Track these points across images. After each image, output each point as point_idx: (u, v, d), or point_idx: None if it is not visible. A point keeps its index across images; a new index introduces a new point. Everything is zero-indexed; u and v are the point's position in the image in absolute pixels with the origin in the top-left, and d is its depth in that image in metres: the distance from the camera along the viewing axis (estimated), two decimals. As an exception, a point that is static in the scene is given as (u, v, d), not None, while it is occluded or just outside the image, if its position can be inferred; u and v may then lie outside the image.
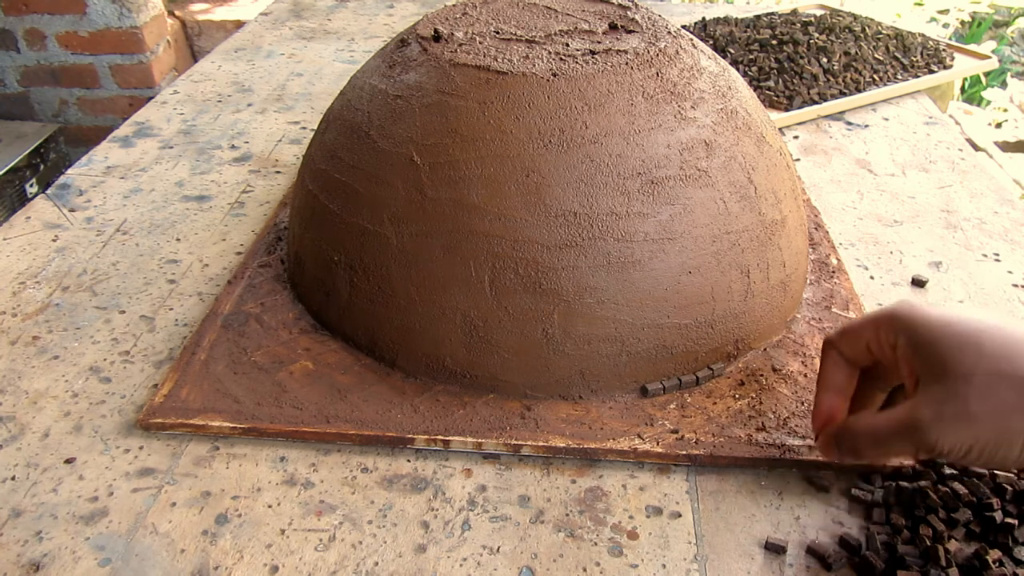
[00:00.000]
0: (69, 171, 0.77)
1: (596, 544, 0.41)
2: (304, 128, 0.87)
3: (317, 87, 0.98)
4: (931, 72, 0.95)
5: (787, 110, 0.87)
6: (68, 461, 0.46)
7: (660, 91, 0.49)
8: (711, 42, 1.01)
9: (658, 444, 0.46)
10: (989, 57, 0.99)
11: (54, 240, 0.66)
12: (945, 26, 2.62)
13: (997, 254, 0.66)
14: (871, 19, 1.03)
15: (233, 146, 0.83)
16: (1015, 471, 0.43)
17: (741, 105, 0.53)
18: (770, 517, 0.43)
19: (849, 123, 0.88)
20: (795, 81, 0.90)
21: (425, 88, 0.50)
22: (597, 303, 0.47)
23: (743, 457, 0.45)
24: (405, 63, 0.53)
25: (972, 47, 1.05)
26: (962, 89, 2.31)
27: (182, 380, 0.49)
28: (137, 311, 0.58)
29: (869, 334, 0.40)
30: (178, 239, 0.67)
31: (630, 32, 0.54)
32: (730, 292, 0.49)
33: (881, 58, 0.95)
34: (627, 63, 0.49)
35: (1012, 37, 2.71)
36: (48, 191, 0.74)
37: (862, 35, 0.97)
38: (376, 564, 0.40)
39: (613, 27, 0.55)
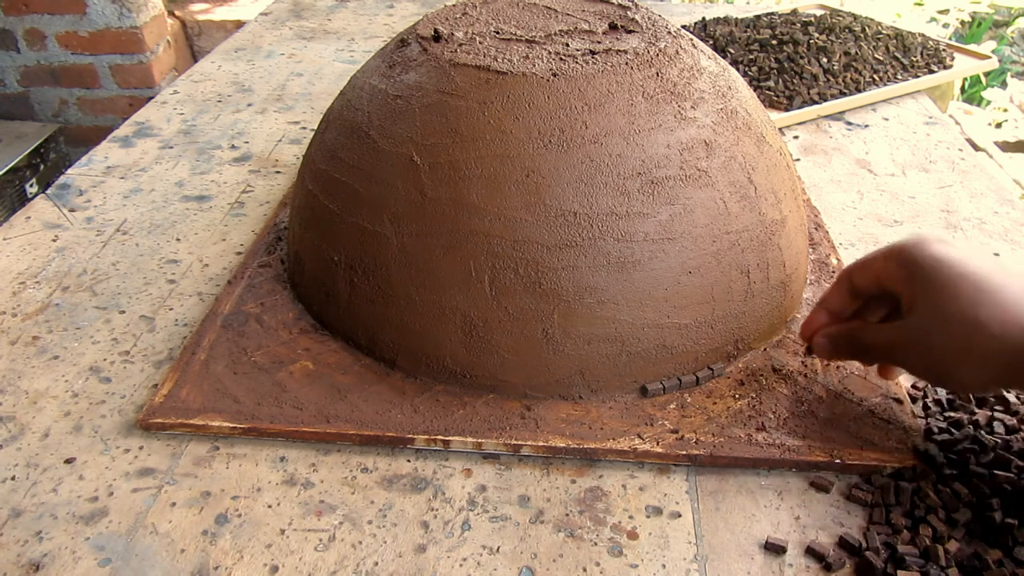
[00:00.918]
0: (69, 171, 0.77)
1: (596, 544, 0.41)
2: (304, 128, 0.87)
3: (317, 87, 0.98)
4: (931, 72, 0.95)
5: (787, 110, 0.87)
6: (68, 461, 0.46)
7: (660, 91, 0.49)
8: (711, 42, 1.01)
9: (658, 444, 0.46)
10: (989, 57, 0.99)
11: (54, 240, 0.66)
12: (945, 26, 2.62)
13: (997, 254, 0.66)
14: (871, 19, 1.03)
15: (233, 146, 0.83)
16: (1015, 474, 0.43)
17: (741, 105, 0.53)
18: (770, 517, 0.43)
19: (849, 123, 0.88)
20: (795, 81, 0.90)
21: (425, 88, 0.50)
22: (597, 303, 0.47)
23: (743, 457, 0.45)
24: (405, 63, 0.53)
25: (972, 47, 1.05)
26: (962, 89, 2.31)
27: (182, 380, 0.49)
28: (137, 311, 0.58)
29: (880, 264, 0.45)
30: (178, 239, 0.67)
31: (630, 32, 0.54)
32: (730, 292, 0.49)
33: (881, 58, 0.95)
34: (627, 63, 0.49)
35: (1012, 37, 2.71)
36: (48, 191, 0.74)
37: (862, 35, 0.97)
38: (376, 564, 0.40)
39: (613, 27, 0.55)
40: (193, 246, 0.66)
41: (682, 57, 0.52)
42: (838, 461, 0.45)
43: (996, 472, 0.43)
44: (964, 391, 0.48)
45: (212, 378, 0.50)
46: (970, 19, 2.70)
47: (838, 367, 0.51)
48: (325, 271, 0.53)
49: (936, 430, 0.46)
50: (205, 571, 0.40)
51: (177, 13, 1.99)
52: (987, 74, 2.32)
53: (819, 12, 1.07)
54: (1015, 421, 0.47)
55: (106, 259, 0.64)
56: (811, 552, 0.41)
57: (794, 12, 1.08)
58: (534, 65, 0.49)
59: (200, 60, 1.08)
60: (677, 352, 0.49)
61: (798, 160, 0.81)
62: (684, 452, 0.45)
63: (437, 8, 0.72)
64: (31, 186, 1.61)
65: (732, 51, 0.97)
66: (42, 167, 1.66)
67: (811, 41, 0.95)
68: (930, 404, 0.49)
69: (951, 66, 0.97)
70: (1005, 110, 2.21)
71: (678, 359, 0.49)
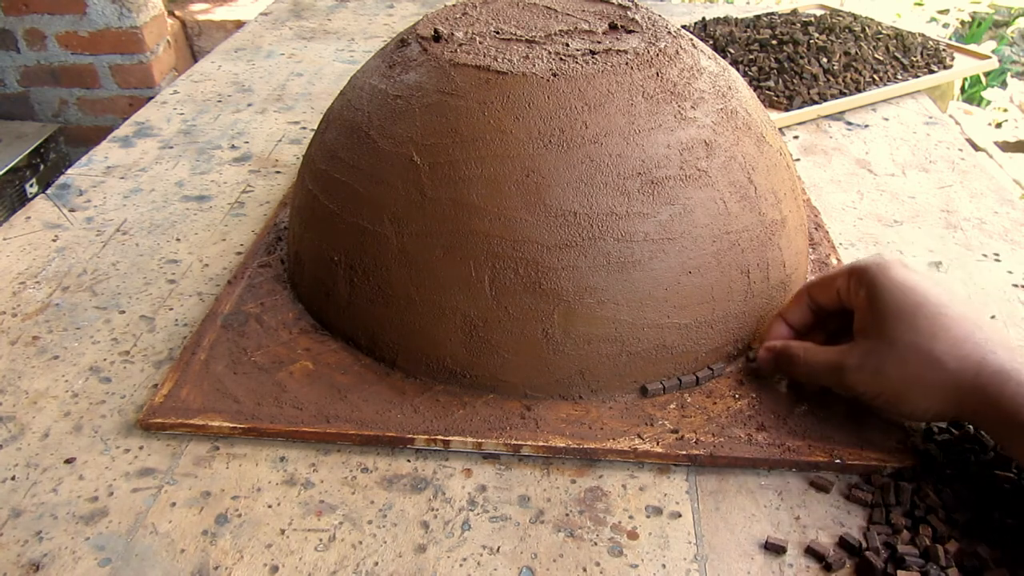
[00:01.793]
0: (69, 171, 0.77)
1: (596, 544, 0.41)
2: (304, 128, 0.87)
3: (317, 87, 0.98)
4: (931, 72, 0.95)
5: (787, 110, 0.87)
6: (68, 461, 0.46)
7: (660, 91, 0.49)
8: (711, 42, 1.01)
9: (658, 444, 0.46)
10: (989, 57, 0.99)
11: (54, 240, 0.66)
12: (945, 26, 2.62)
13: (997, 254, 0.66)
14: (871, 19, 1.03)
15: (233, 146, 0.83)
16: (1015, 474, 0.43)
17: (741, 105, 0.53)
18: (770, 517, 0.43)
19: (849, 123, 0.88)
20: (795, 81, 0.90)
21: (425, 88, 0.50)
22: (597, 303, 0.47)
23: (743, 457, 0.45)
24: (405, 63, 0.53)
25: (972, 47, 1.05)
26: (962, 89, 2.31)
27: (182, 380, 0.49)
28: (137, 311, 0.58)
29: (841, 282, 0.46)
30: (178, 239, 0.67)
31: (630, 32, 0.54)
32: (730, 292, 0.49)
33: (881, 58, 0.95)
34: (627, 63, 0.49)
35: (1012, 37, 2.71)
36: (48, 191, 0.74)
37: (862, 35, 0.97)
38: (376, 564, 0.40)
39: (613, 27, 0.55)
40: (193, 246, 0.66)
41: (682, 57, 0.52)
42: (838, 461, 0.45)
43: (996, 472, 0.43)
44: (909, 419, 0.45)
45: (212, 378, 0.50)
46: (970, 19, 2.70)
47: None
48: (325, 271, 0.53)
49: (936, 430, 0.46)
50: (205, 571, 0.40)
51: (177, 13, 1.99)
52: (987, 74, 2.32)
53: (819, 12, 1.07)
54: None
55: (106, 259, 0.64)
56: (811, 552, 0.41)
57: (794, 12, 1.08)
58: (534, 65, 0.49)
59: (200, 60, 1.08)
60: (677, 352, 0.49)
61: (798, 160, 0.81)
62: (684, 452, 0.45)
63: (437, 8, 0.72)
64: (31, 186, 1.62)
65: (732, 51, 0.97)
66: (42, 167, 1.66)
67: (811, 41, 0.95)
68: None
69: (951, 66, 0.97)
70: (1005, 110, 2.21)
71: (678, 359, 0.49)
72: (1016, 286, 0.62)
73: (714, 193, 0.48)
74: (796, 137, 0.85)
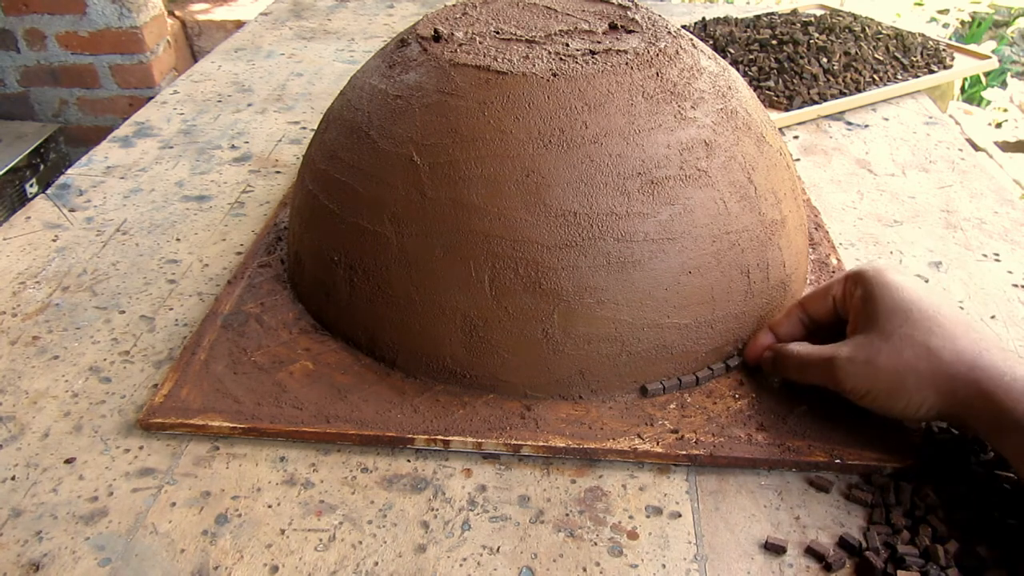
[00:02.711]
0: (69, 171, 0.77)
1: (596, 544, 0.41)
2: (304, 128, 0.87)
3: (317, 87, 0.98)
4: (931, 72, 0.95)
5: (787, 110, 0.87)
6: (68, 461, 0.46)
7: (660, 91, 0.49)
8: (711, 42, 1.01)
9: (658, 444, 0.46)
10: (989, 57, 0.99)
11: (54, 240, 0.66)
12: (945, 26, 2.62)
13: (997, 254, 0.66)
14: (871, 19, 1.03)
15: (233, 146, 0.83)
16: (1015, 474, 0.43)
17: (741, 105, 0.53)
18: (770, 517, 0.43)
19: (849, 123, 0.88)
20: (795, 81, 0.90)
21: (425, 88, 0.50)
22: (597, 303, 0.47)
23: (743, 457, 0.45)
24: (405, 63, 0.53)
25: (972, 47, 1.05)
26: (962, 89, 2.31)
27: (182, 380, 0.49)
28: (137, 311, 0.58)
29: (838, 288, 0.47)
30: (178, 239, 0.67)
31: (630, 32, 0.54)
32: (730, 292, 0.49)
33: (881, 58, 0.95)
34: (627, 63, 0.49)
35: (1012, 37, 2.71)
36: (48, 191, 0.74)
37: (862, 35, 0.97)
38: (376, 564, 0.40)
39: (613, 27, 0.55)
40: (193, 246, 0.66)
41: (682, 57, 0.52)
42: (838, 461, 0.45)
43: (996, 472, 0.43)
44: (899, 415, 0.43)
45: (212, 378, 0.50)
46: (970, 19, 2.70)
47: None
48: (325, 271, 0.53)
49: (936, 430, 0.46)
50: (205, 571, 0.40)
51: (177, 13, 1.99)
52: (987, 74, 2.32)
53: (819, 12, 1.07)
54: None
55: (106, 259, 0.64)
56: (811, 552, 0.41)
57: (794, 12, 1.08)
58: (534, 65, 0.49)
59: (200, 60, 1.08)
60: (677, 352, 0.49)
61: (798, 160, 0.81)
62: (684, 452, 0.45)
63: (437, 8, 0.72)
64: (31, 186, 1.62)
65: (732, 51, 0.97)
66: (42, 167, 1.66)
67: (811, 41, 0.95)
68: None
69: (951, 66, 0.97)
70: (1005, 110, 2.21)
71: (678, 359, 0.49)
72: (1016, 286, 0.62)
73: (714, 193, 0.48)
74: (796, 137, 0.85)
